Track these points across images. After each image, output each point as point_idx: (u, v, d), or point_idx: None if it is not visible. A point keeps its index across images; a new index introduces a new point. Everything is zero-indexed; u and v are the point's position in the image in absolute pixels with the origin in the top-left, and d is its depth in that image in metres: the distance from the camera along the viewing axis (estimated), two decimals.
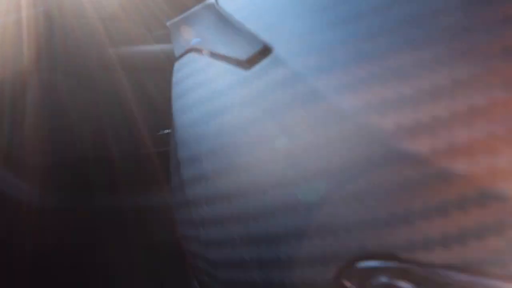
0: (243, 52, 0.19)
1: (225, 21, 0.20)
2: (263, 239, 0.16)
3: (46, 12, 0.57)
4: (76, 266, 0.47)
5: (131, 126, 0.60)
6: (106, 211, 0.56)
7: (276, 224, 0.16)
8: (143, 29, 0.56)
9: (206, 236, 0.18)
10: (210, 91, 0.20)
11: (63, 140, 0.59)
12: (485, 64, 0.13)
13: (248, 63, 0.19)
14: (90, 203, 0.55)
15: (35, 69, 0.58)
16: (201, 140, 0.19)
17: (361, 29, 0.14)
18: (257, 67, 0.18)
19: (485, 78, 0.13)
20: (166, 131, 0.59)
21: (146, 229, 0.57)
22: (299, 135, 0.16)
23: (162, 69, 0.55)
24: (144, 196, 0.60)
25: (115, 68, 0.59)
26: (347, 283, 0.15)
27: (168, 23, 0.26)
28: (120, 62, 0.58)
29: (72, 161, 0.59)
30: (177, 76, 0.23)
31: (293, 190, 0.15)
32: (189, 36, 0.23)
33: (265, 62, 0.18)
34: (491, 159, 0.12)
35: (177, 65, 0.23)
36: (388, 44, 0.14)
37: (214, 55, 0.21)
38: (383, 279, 0.14)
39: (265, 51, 0.18)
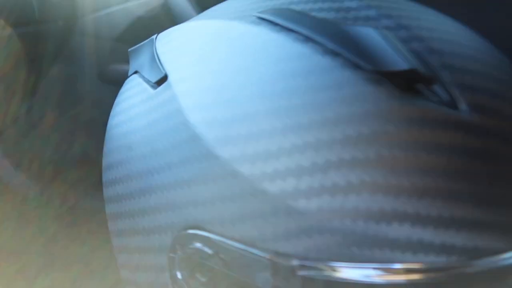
0: (155, 76, 0.25)
1: (152, 53, 0.27)
2: (136, 211, 0.23)
3: None
4: None
5: None
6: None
7: (135, 203, 0.23)
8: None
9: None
10: (129, 105, 0.26)
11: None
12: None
13: (156, 83, 0.24)
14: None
15: None
16: (112, 139, 0.27)
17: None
18: (158, 88, 0.24)
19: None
20: None
21: None
22: (157, 146, 0.22)
23: None
24: None
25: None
26: (178, 247, 0.21)
27: (129, 50, 0.31)
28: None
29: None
30: (119, 95, 0.29)
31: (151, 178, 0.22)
32: (134, 62, 0.29)
33: (162, 85, 0.24)
34: None
35: (123, 86, 0.29)
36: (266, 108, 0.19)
37: (141, 76, 0.27)
38: (197, 244, 0.20)
39: (165, 77, 0.24)
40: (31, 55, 0.60)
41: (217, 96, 0.21)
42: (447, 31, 0.22)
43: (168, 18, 0.65)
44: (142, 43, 0.31)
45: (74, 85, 0.66)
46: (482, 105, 0.19)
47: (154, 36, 0.29)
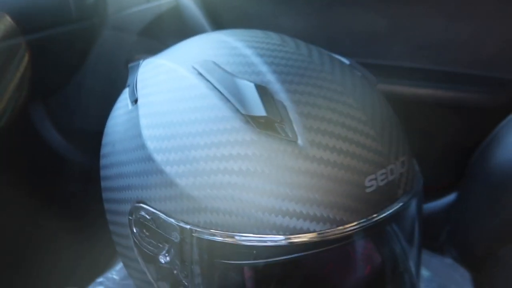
0: (133, 96, 0.36)
1: (135, 77, 0.38)
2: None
3: None
4: None
5: None
6: None
7: (110, 183, 0.37)
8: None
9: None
10: (117, 113, 0.38)
11: None
12: None
13: (133, 102, 0.36)
14: None
15: None
16: (106, 135, 0.39)
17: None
18: (132, 107, 0.36)
19: None
20: None
21: None
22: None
23: None
24: None
25: None
26: (133, 213, 0.33)
27: (129, 65, 0.42)
28: None
29: None
30: (118, 101, 0.41)
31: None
32: (130, 76, 0.40)
33: (134, 105, 0.36)
34: None
35: (122, 94, 0.41)
36: None
37: (129, 93, 0.38)
38: (142, 212, 0.32)
39: (136, 100, 0.36)
40: (69, 51, 0.73)
41: (159, 120, 0.33)
42: (316, 84, 0.32)
43: (179, 18, 0.76)
44: (134, 63, 0.42)
45: (107, 71, 0.80)
46: (318, 142, 0.29)
47: (141, 61, 0.41)
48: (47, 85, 0.76)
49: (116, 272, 0.45)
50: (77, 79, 0.79)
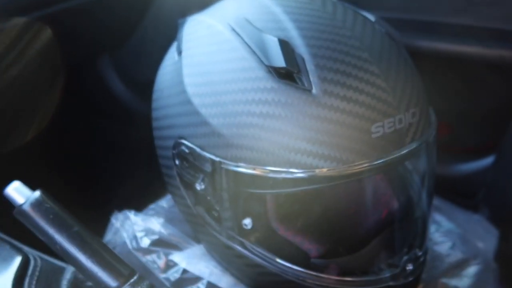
0: (178, 49, 0.43)
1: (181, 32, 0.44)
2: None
3: None
4: None
5: None
6: None
7: (158, 123, 0.43)
8: None
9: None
10: (166, 63, 0.44)
11: None
12: None
13: (178, 54, 0.42)
14: None
15: None
16: (157, 82, 0.45)
17: None
18: (178, 58, 0.42)
19: None
20: None
21: None
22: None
23: None
24: None
25: None
26: (175, 147, 0.39)
27: (178, 20, 0.46)
28: None
29: None
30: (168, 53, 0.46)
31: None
32: (178, 32, 0.45)
33: (179, 56, 0.41)
34: None
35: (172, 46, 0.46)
36: None
37: (176, 46, 0.44)
38: (182, 147, 0.38)
39: (181, 52, 0.42)
40: (129, 7, 0.79)
41: (197, 69, 0.38)
42: (334, 40, 0.35)
43: None
44: (182, 20, 0.47)
45: (165, 26, 0.86)
46: (330, 91, 0.33)
47: (187, 18, 0.46)
48: (112, 40, 0.84)
49: (165, 201, 0.53)
50: (139, 33, 0.85)
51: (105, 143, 0.87)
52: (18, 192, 0.31)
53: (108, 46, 0.84)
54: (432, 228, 0.54)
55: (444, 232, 0.53)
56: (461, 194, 0.71)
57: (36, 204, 0.31)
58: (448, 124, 0.73)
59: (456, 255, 0.51)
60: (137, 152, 0.78)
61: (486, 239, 0.56)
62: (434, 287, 0.47)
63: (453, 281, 0.48)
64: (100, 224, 0.52)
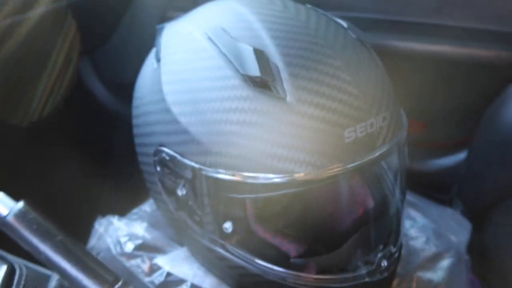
0: (157, 56, 0.44)
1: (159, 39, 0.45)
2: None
3: None
4: None
5: None
6: None
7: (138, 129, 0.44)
8: None
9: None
10: (145, 70, 0.46)
11: None
12: None
13: (157, 60, 0.43)
14: None
15: None
16: (137, 88, 0.46)
17: None
18: (157, 64, 0.43)
19: None
20: None
21: None
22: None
23: None
24: None
25: None
26: (156, 155, 0.40)
27: (156, 27, 0.46)
28: None
29: None
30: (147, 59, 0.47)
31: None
32: (157, 38, 0.45)
33: (158, 63, 0.43)
34: None
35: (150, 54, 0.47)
36: None
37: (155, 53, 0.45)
38: (163, 154, 0.39)
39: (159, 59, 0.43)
40: (108, 9, 0.79)
41: (176, 77, 0.39)
42: (307, 48, 0.37)
43: None
44: (160, 26, 0.48)
45: (143, 28, 0.86)
46: (303, 99, 0.35)
47: (165, 25, 0.47)
48: (91, 41, 0.83)
49: (148, 205, 0.54)
50: (118, 35, 0.85)
51: (86, 145, 0.87)
52: (1, 203, 0.32)
53: (87, 47, 0.84)
54: (407, 224, 0.56)
55: (419, 228, 0.56)
56: (435, 188, 0.74)
57: (20, 215, 0.32)
58: (421, 121, 0.76)
59: (431, 249, 0.53)
60: (119, 155, 0.79)
61: (459, 232, 0.58)
62: (410, 281, 0.49)
63: (428, 274, 0.50)
64: (84, 229, 0.53)
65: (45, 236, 0.32)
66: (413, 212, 0.58)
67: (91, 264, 0.32)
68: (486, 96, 0.67)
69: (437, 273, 0.51)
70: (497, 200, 0.65)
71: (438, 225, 0.57)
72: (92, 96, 0.89)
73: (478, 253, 0.60)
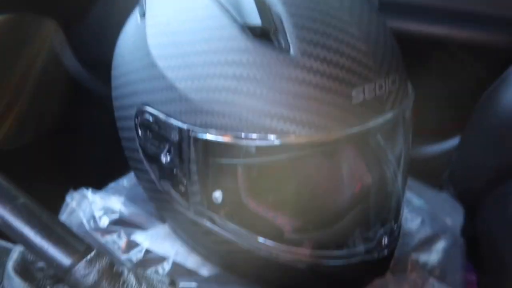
0: (142, 10, 0.39)
1: None
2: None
3: None
4: None
5: None
6: None
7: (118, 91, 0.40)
8: None
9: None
10: (128, 26, 0.41)
11: None
12: None
13: (142, 15, 0.38)
14: None
15: None
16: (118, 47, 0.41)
17: None
18: (141, 19, 0.38)
19: None
20: None
21: None
22: None
23: None
24: None
25: None
26: (138, 116, 0.36)
27: None
28: None
29: None
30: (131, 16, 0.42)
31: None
32: None
33: (143, 17, 0.38)
34: None
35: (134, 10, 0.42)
36: None
37: (139, 8, 0.40)
38: (146, 115, 0.34)
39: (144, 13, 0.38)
40: None
41: (162, 29, 0.35)
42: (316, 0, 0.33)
43: None
44: None
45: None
46: (309, 52, 0.31)
47: None
48: (67, 15, 0.78)
49: (127, 179, 0.50)
50: (96, 10, 0.80)
51: (62, 123, 0.82)
52: None
53: (62, 20, 0.79)
54: None
55: (414, 209, 0.53)
56: (427, 174, 0.72)
57: None
58: (414, 107, 0.74)
59: (426, 231, 0.51)
60: (94, 132, 0.74)
61: (453, 215, 0.56)
62: (405, 263, 0.46)
63: (423, 256, 0.48)
64: (56, 207, 0.48)
65: (4, 197, 0.27)
66: (407, 194, 0.56)
67: (58, 231, 0.28)
68: (479, 82, 0.66)
69: (432, 255, 0.49)
70: (489, 186, 0.64)
71: (433, 207, 0.55)
72: (68, 73, 0.84)
73: (469, 238, 0.58)
